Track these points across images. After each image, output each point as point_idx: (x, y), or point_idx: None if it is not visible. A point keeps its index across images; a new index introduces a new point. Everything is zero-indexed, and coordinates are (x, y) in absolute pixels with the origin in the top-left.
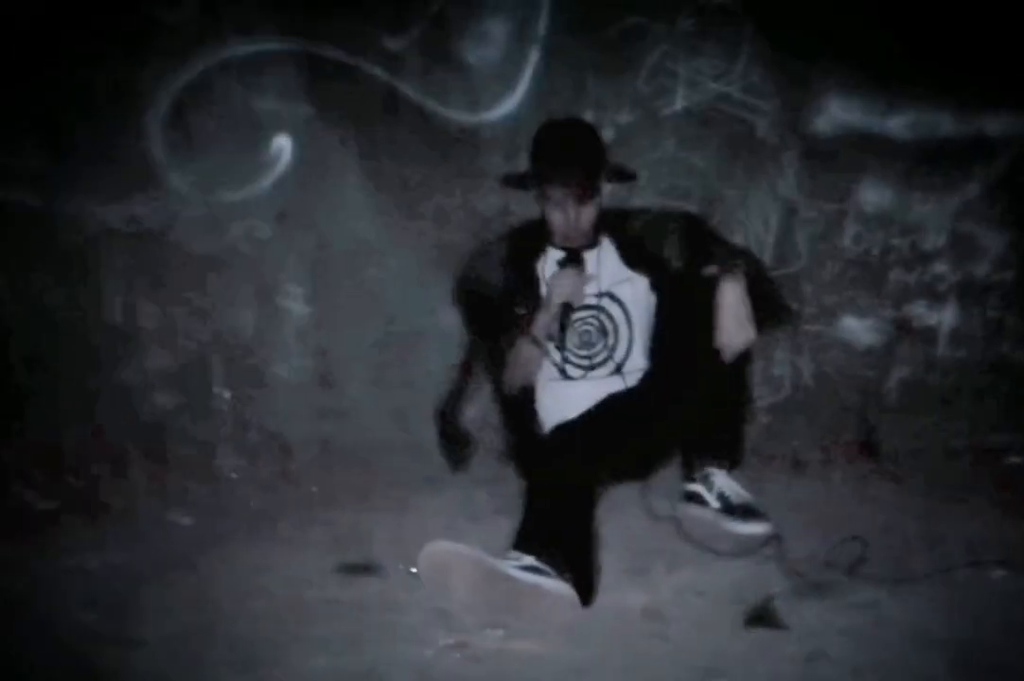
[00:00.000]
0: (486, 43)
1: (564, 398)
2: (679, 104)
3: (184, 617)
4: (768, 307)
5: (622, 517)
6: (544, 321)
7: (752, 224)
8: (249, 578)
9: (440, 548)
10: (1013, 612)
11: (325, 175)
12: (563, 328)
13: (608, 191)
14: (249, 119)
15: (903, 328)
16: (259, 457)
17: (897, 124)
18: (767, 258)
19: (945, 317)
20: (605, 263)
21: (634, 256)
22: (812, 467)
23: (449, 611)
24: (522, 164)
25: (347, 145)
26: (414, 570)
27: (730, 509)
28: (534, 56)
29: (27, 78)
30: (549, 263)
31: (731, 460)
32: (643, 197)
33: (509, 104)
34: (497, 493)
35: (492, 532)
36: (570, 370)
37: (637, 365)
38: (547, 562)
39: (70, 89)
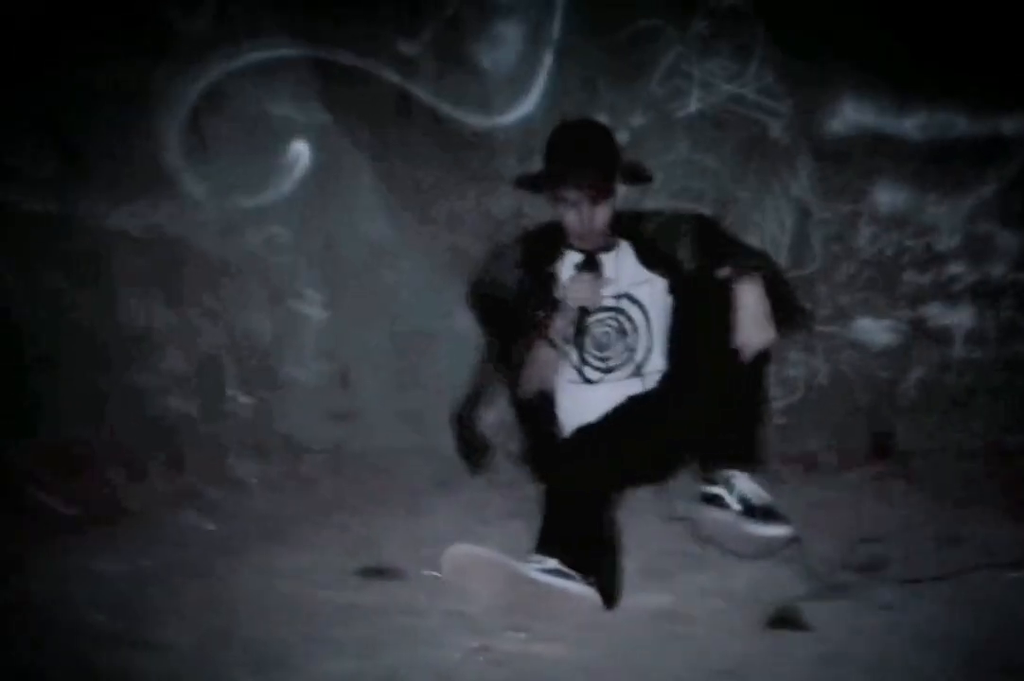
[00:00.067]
0: (500, 46)
1: (584, 401)
2: (693, 106)
3: (201, 620)
4: (784, 309)
5: (642, 519)
6: (561, 325)
7: (767, 226)
8: (266, 581)
9: (462, 551)
10: None
11: (339, 179)
12: (580, 332)
13: (623, 193)
14: (264, 124)
15: (918, 329)
16: (275, 461)
17: (911, 125)
18: (782, 259)
19: (960, 318)
20: (623, 265)
21: (652, 258)
22: (827, 468)
23: (470, 614)
24: (536, 167)
25: (361, 149)
26: (436, 574)
27: (751, 512)
28: (548, 59)
29: (44, 85)
30: (567, 266)
31: (753, 462)
32: (657, 199)
33: (523, 107)
34: (512, 496)
35: (507, 535)
36: (588, 372)
37: (656, 367)
38: (570, 565)
39: (87, 96)
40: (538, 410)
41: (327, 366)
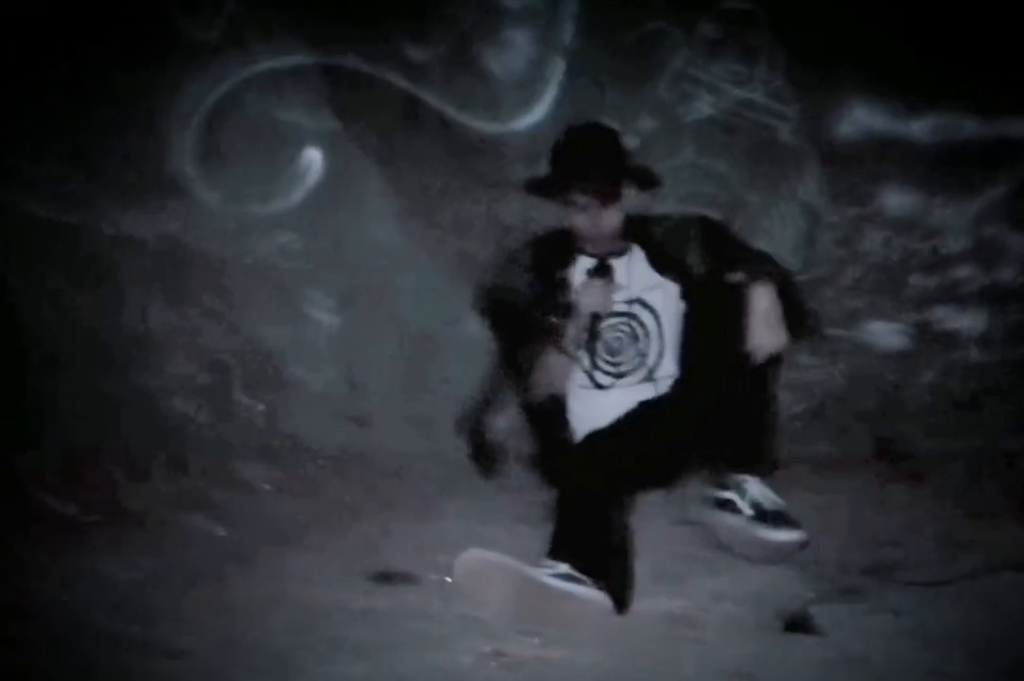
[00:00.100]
0: (508, 52)
1: (595, 406)
2: (701, 111)
3: (210, 625)
4: (795, 314)
5: (654, 524)
6: (573, 330)
7: (775, 230)
8: (276, 586)
9: (475, 556)
10: None
11: (349, 185)
12: (592, 337)
13: (632, 197)
14: (275, 131)
15: (926, 332)
16: (284, 465)
17: (920, 128)
18: (791, 263)
19: (968, 321)
20: (635, 270)
21: (663, 262)
22: (837, 472)
23: (482, 619)
24: (544, 171)
25: (371, 155)
26: (448, 579)
27: (763, 516)
28: (556, 64)
29: (57, 93)
30: (579, 271)
31: (764, 467)
32: (666, 204)
33: (532, 112)
34: (522, 501)
35: (518, 540)
36: (600, 378)
37: (668, 372)
38: (581, 570)
39: (100, 103)
40: (549, 415)
41: (337, 371)
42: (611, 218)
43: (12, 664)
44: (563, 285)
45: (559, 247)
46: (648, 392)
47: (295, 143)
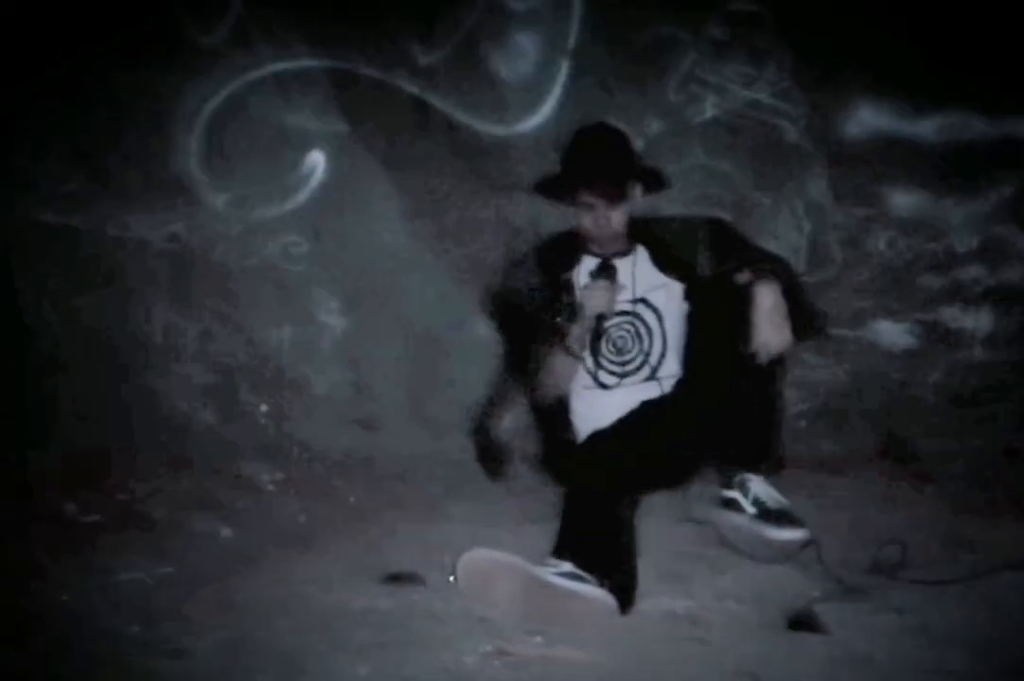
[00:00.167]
0: (516, 55)
1: (599, 406)
2: (709, 112)
3: (223, 627)
4: (800, 314)
5: (659, 523)
6: (578, 332)
7: (783, 230)
8: (283, 587)
9: (479, 555)
10: None
11: (358, 189)
12: (597, 338)
13: (640, 198)
14: (282, 134)
15: (934, 332)
16: (292, 467)
17: (927, 128)
18: (798, 264)
19: (976, 321)
20: (640, 270)
21: (668, 262)
22: (843, 471)
23: (489, 619)
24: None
25: (378, 158)
26: (453, 578)
27: (766, 515)
28: (564, 68)
29: (64, 97)
30: (583, 272)
31: (768, 466)
32: (673, 205)
33: (539, 115)
34: (528, 502)
35: (524, 540)
36: (603, 377)
37: (671, 371)
38: (585, 568)
39: (107, 107)
40: (555, 416)
41: (342, 373)
42: (618, 218)
43: (17, 665)
44: (568, 286)
45: (565, 249)
46: (651, 392)
47: (301, 145)
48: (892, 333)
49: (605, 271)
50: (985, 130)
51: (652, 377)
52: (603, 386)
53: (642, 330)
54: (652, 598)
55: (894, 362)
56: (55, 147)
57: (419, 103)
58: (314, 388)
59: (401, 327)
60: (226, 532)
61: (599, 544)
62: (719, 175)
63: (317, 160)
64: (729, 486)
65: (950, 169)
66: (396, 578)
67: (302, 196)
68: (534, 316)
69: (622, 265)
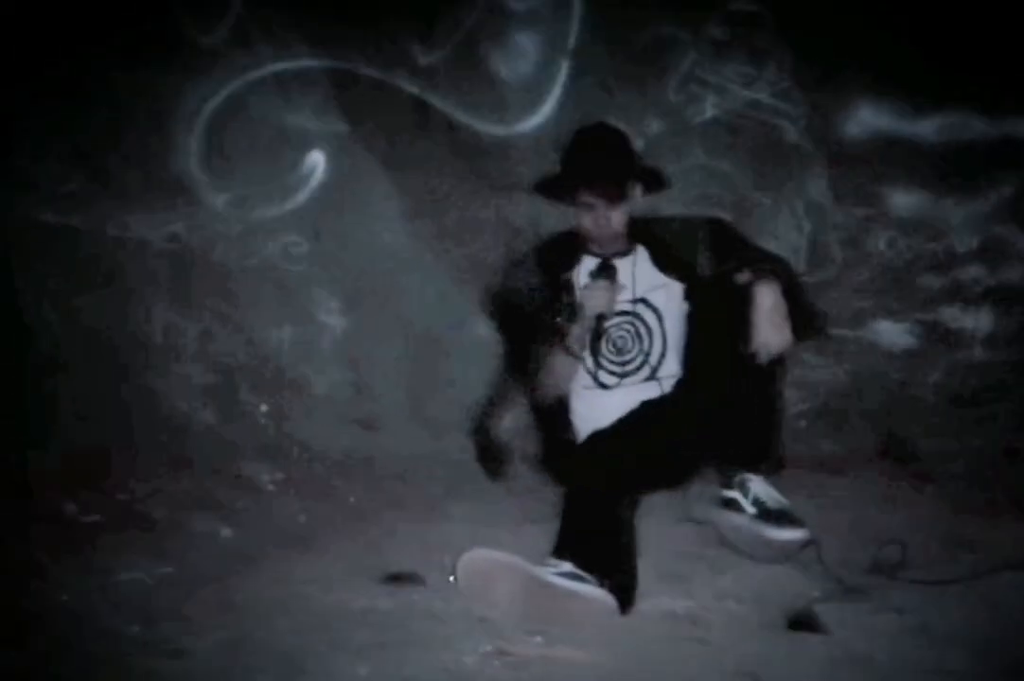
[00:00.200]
0: (516, 55)
1: (599, 406)
2: (709, 112)
3: (224, 627)
4: (800, 314)
5: (659, 523)
6: (578, 332)
7: (783, 230)
8: (283, 587)
9: (479, 555)
10: None
11: (358, 189)
12: (597, 338)
13: (640, 199)
14: (282, 134)
15: (934, 332)
16: (292, 467)
17: (927, 128)
18: (800, 264)
19: (978, 320)
20: (640, 270)
21: (668, 262)
22: (843, 471)
23: (489, 619)
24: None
25: (378, 158)
26: (453, 577)
27: (766, 515)
28: (564, 68)
29: (63, 97)
30: (583, 272)
31: (768, 466)
32: (674, 205)
33: (539, 115)
34: (528, 502)
35: (524, 540)
36: (604, 377)
37: (671, 371)
38: (586, 568)
39: (107, 108)
40: (555, 416)
41: (344, 373)
42: (618, 218)
43: (29, 668)
44: (568, 286)
45: (565, 249)
46: (651, 392)
47: (301, 145)
48: (892, 333)
49: (605, 271)
50: (985, 130)
51: (652, 377)
52: (603, 386)
53: (642, 330)
54: (652, 598)
55: (894, 362)
56: (55, 147)
57: (419, 103)
58: (314, 388)
59: (401, 327)
60: (226, 532)
61: (599, 544)
62: (719, 175)
63: (317, 160)
64: (729, 486)
65: (950, 169)
66: (396, 578)
67: (302, 196)
68: (534, 316)
69: (622, 265)
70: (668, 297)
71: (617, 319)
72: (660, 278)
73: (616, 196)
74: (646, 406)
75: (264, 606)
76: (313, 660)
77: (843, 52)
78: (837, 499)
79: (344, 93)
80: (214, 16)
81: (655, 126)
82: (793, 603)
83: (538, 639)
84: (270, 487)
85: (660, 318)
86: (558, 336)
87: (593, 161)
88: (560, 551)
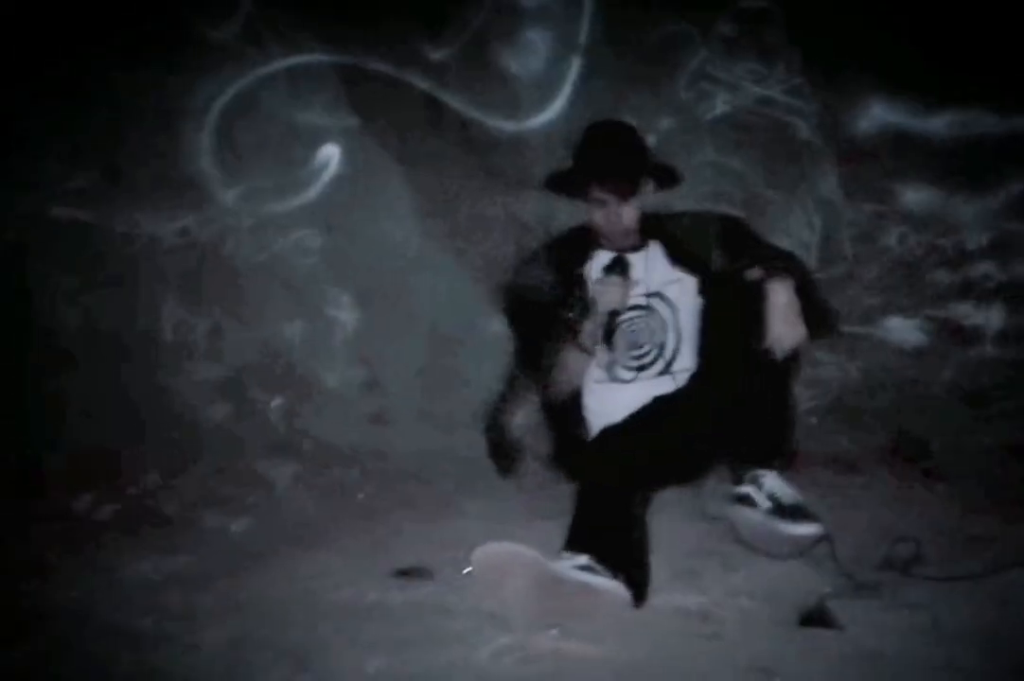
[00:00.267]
0: (528, 52)
1: (611, 401)
2: (720, 109)
3: (236, 622)
4: (813, 311)
5: (672, 519)
6: (590, 328)
7: (795, 227)
8: (296, 583)
9: (494, 549)
10: None
11: (369, 185)
12: (610, 334)
13: (653, 195)
14: (293, 130)
15: (946, 328)
16: (304, 464)
17: (938, 124)
18: (810, 260)
19: (989, 317)
20: (653, 264)
21: (682, 257)
22: (856, 467)
23: (502, 613)
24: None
25: (390, 154)
26: (468, 569)
27: (780, 510)
28: (575, 64)
29: (75, 94)
30: (596, 268)
31: (782, 461)
32: (685, 202)
33: (550, 112)
34: (540, 498)
35: (536, 537)
36: (620, 372)
37: (685, 365)
38: (600, 561)
39: (118, 104)
40: (567, 412)
41: (356, 370)
42: (629, 213)
43: (38, 666)
44: (580, 282)
45: (577, 245)
46: (665, 386)
47: (312, 141)
48: (903, 330)
49: (618, 266)
50: (996, 126)
51: (667, 371)
52: (620, 381)
53: (656, 324)
54: (665, 594)
55: (905, 359)
56: (63, 144)
57: (430, 100)
58: (325, 384)
59: (412, 323)
60: (236, 528)
61: (611, 540)
62: (730, 172)
63: (329, 156)
64: (742, 482)
65: (961, 165)
66: (407, 574)
67: (313, 192)
68: (546, 312)
69: (635, 260)
70: (682, 291)
71: (631, 313)
72: (674, 273)
73: (628, 192)
74: (658, 401)
75: (274, 602)
76: (323, 656)
77: (853, 49)
78: (849, 496)
79: (355, 89)
80: (224, 14)
81: (666, 123)
82: (805, 599)
83: (553, 632)
84: (280, 483)
85: (675, 312)
86: (571, 332)
87: (605, 157)
88: (574, 544)
